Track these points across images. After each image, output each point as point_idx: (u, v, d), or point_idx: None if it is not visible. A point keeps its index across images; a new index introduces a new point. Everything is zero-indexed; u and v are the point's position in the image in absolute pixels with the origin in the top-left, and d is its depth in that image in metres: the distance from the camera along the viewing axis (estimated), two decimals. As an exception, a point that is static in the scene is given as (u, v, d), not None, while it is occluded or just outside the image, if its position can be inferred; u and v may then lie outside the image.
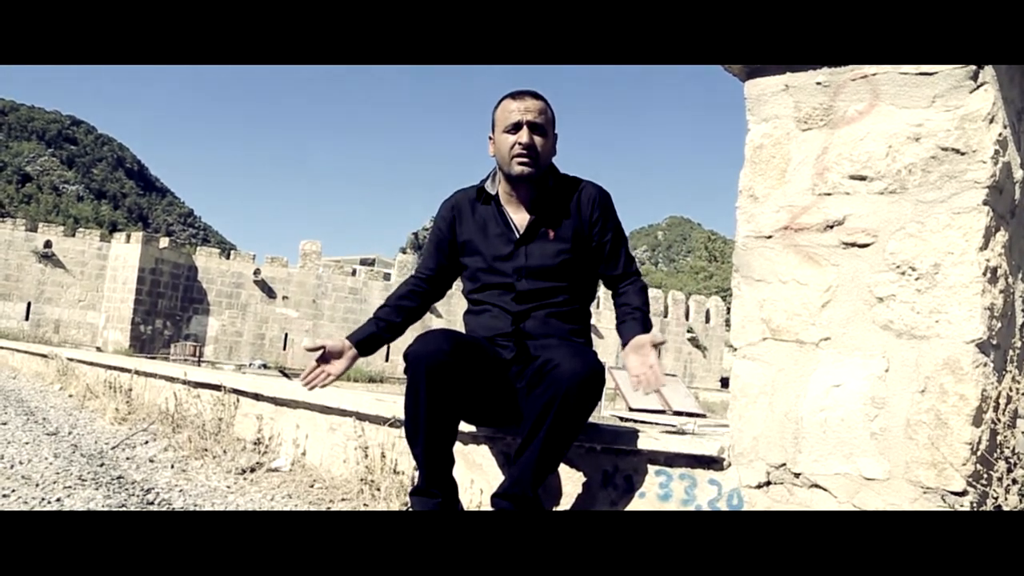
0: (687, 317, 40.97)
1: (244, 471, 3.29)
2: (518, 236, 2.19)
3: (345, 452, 3.07)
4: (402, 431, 2.15)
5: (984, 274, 1.63)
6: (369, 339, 2.26)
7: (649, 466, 2.08)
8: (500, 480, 2.05)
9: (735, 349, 1.97)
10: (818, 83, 1.88)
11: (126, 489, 2.89)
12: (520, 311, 2.16)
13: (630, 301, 2.23)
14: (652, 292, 39.07)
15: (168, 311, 29.86)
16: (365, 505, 2.67)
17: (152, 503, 2.73)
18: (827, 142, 1.86)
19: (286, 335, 31.55)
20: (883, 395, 1.70)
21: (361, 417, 3.01)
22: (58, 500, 2.64)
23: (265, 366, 25.43)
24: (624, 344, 2.09)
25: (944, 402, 1.63)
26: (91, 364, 7.98)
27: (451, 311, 29.58)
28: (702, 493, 1.98)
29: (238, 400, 4.05)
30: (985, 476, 1.61)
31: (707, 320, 41.96)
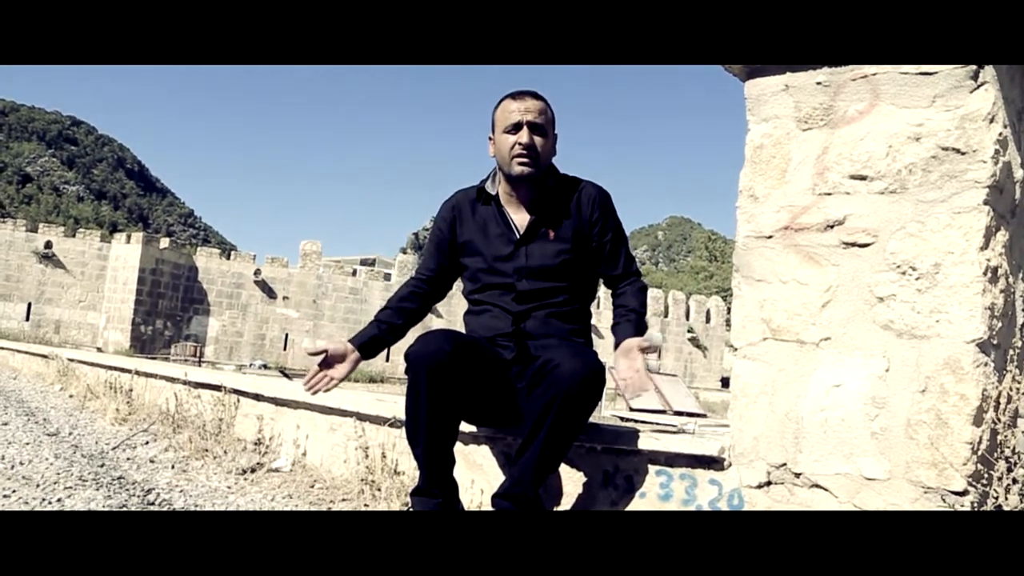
0: (687, 317, 40.97)
1: (245, 471, 3.29)
2: (518, 236, 2.19)
3: (346, 452, 3.07)
4: (403, 431, 2.15)
5: (984, 274, 1.63)
6: (371, 341, 2.25)
7: (650, 466, 2.08)
8: (501, 480, 2.05)
9: (735, 349, 1.97)
10: (818, 83, 1.88)
11: (127, 489, 2.89)
12: (520, 311, 2.16)
13: (626, 303, 2.23)
14: (652, 292, 39.08)
15: (168, 311, 29.87)
16: (366, 505, 2.67)
17: (153, 503, 2.73)
18: (827, 142, 1.86)
19: (286, 335, 31.57)
20: (883, 395, 1.70)
21: (362, 417, 3.01)
22: (59, 500, 2.65)
23: (266, 366, 25.43)
24: (615, 346, 2.09)
25: (945, 402, 1.63)
26: (91, 364, 7.99)
27: (451, 311, 29.58)
28: (703, 493, 1.98)
29: (239, 400, 4.05)
30: (986, 476, 1.61)
31: (707, 320, 41.96)
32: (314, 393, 2.21)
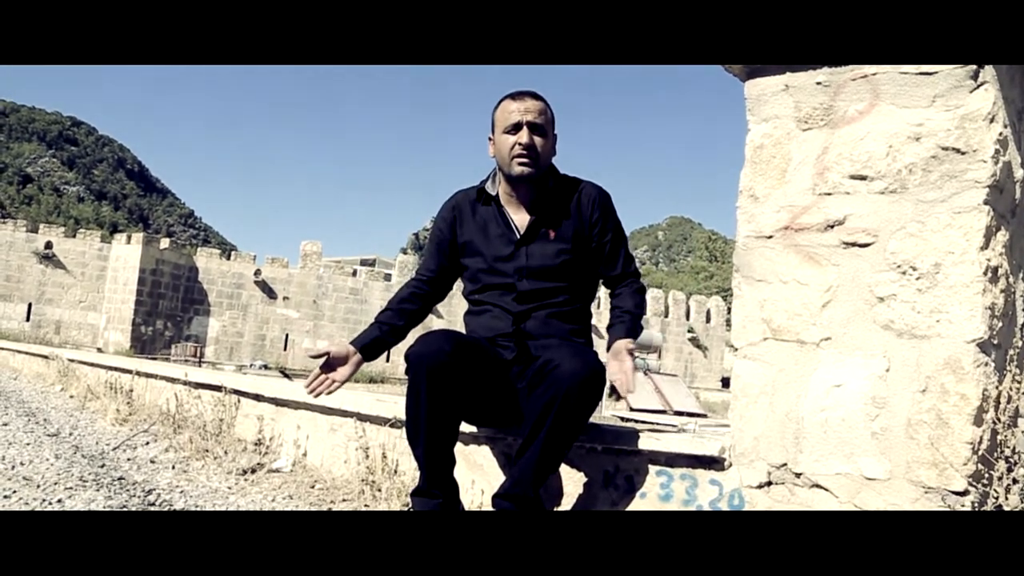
0: (688, 317, 40.96)
1: (245, 472, 3.29)
2: (519, 237, 2.19)
3: (346, 453, 3.07)
4: (403, 432, 2.15)
5: (985, 273, 1.63)
6: (373, 343, 2.25)
7: (650, 466, 2.08)
8: (501, 481, 2.05)
9: (736, 349, 1.97)
10: (818, 83, 1.88)
11: (127, 490, 2.89)
12: (521, 311, 2.16)
13: (622, 304, 2.24)
14: (653, 292, 39.07)
15: (169, 312, 29.86)
16: (366, 506, 2.67)
17: (153, 504, 2.73)
18: (827, 142, 1.86)
19: (287, 336, 31.56)
20: (884, 395, 1.70)
21: (362, 418, 3.01)
22: (59, 501, 2.65)
23: (266, 367, 25.43)
24: (607, 347, 2.10)
25: (945, 402, 1.63)
26: (92, 365, 7.99)
27: (452, 312, 29.58)
28: (703, 493, 1.98)
29: (239, 401, 4.05)
30: (986, 476, 1.61)
31: (708, 320, 41.95)
32: (316, 396, 2.21)
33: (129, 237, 30.49)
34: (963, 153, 1.66)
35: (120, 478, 3.13)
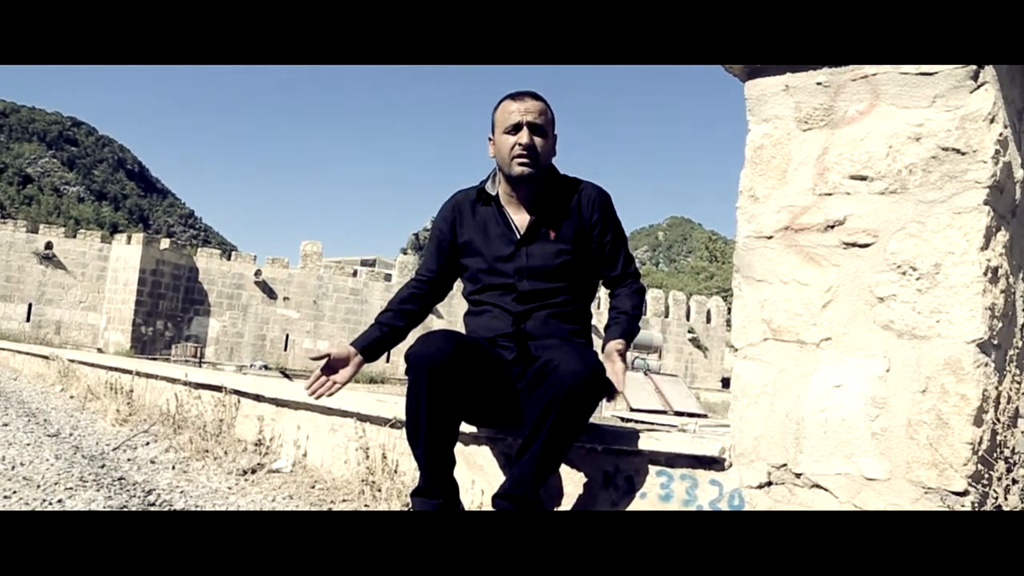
0: (688, 317, 40.95)
1: (245, 472, 3.29)
2: (519, 237, 2.19)
3: (346, 453, 3.07)
4: (403, 432, 2.15)
5: (985, 274, 1.63)
6: (373, 344, 2.25)
7: (650, 467, 2.08)
8: (501, 481, 2.05)
9: (736, 349, 1.97)
10: (818, 83, 1.88)
11: (127, 490, 2.89)
12: (521, 311, 2.16)
13: (619, 305, 2.25)
14: (653, 292, 39.07)
15: (169, 312, 29.87)
16: (366, 506, 2.67)
17: (153, 504, 2.73)
18: (827, 142, 1.86)
19: (287, 336, 31.57)
20: (884, 395, 1.70)
21: (362, 418, 3.01)
22: (59, 501, 2.65)
23: (266, 367, 25.43)
24: (602, 348, 2.11)
25: (945, 402, 1.63)
26: (92, 365, 7.99)
27: (452, 312, 29.57)
28: (703, 493, 1.98)
29: (239, 401, 4.05)
30: (986, 476, 1.61)
31: (708, 320, 41.95)
32: (317, 397, 2.21)
33: (129, 237, 30.50)
34: (963, 153, 1.66)
35: (120, 478, 3.13)
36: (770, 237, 1.93)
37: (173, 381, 5.19)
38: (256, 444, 3.64)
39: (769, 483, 1.85)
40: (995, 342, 1.67)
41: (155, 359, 17.66)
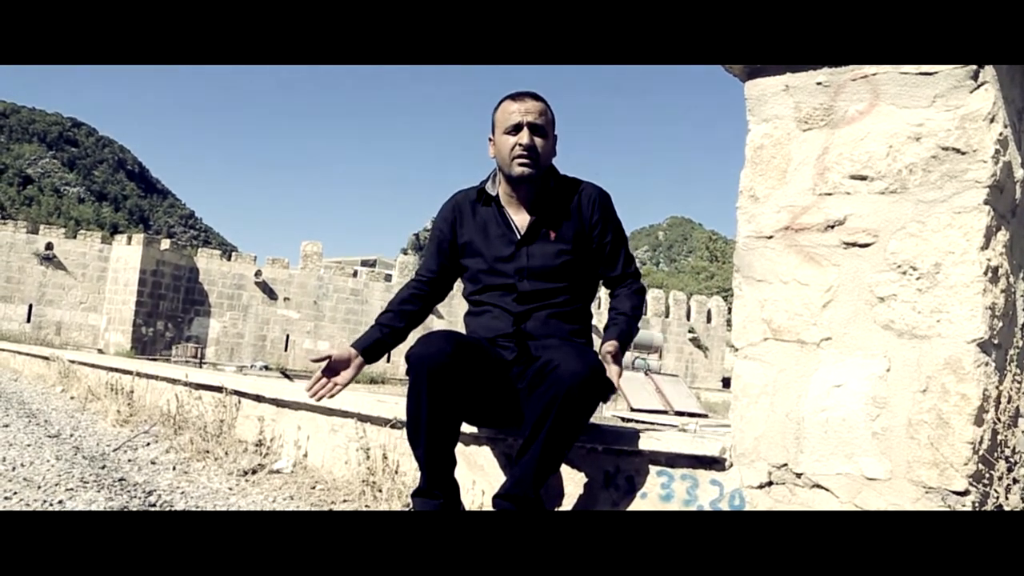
0: (688, 317, 40.95)
1: (246, 473, 3.29)
2: (519, 237, 2.19)
3: (347, 453, 3.07)
4: (404, 432, 2.15)
5: (985, 273, 1.63)
6: (374, 345, 2.25)
7: (651, 467, 2.08)
8: (502, 481, 2.05)
9: (736, 349, 1.97)
10: (818, 83, 1.88)
11: (128, 491, 2.89)
12: (521, 312, 2.16)
13: (618, 306, 2.26)
14: (654, 292, 39.06)
15: (169, 313, 29.86)
16: (367, 506, 2.67)
17: (154, 505, 2.73)
18: (828, 142, 1.86)
19: (287, 336, 31.56)
20: (884, 395, 1.70)
21: (363, 418, 3.01)
22: (60, 502, 2.65)
23: (267, 367, 25.44)
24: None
25: (946, 402, 1.63)
26: (93, 366, 7.99)
27: (452, 312, 29.57)
28: (704, 494, 1.98)
29: (240, 402, 4.05)
30: (986, 476, 1.61)
31: (708, 320, 41.94)
32: (319, 400, 2.21)
33: (130, 238, 30.49)
34: (963, 153, 1.66)
35: (121, 479, 3.13)
36: (770, 237, 1.93)
37: (174, 382, 5.19)
38: (257, 445, 3.64)
39: (770, 483, 1.85)
40: (995, 342, 1.67)
41: (155, 360, 17.67)
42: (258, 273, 31.31)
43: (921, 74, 1.72)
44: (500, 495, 1.97)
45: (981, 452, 1.61)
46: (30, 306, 28.66)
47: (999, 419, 1.63)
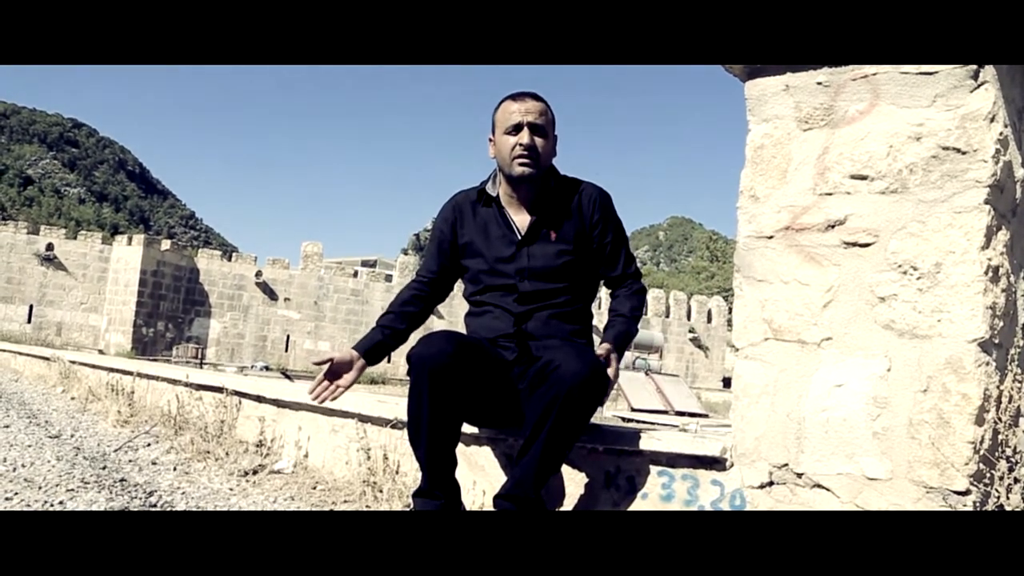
0: (689, 317, 40.93)
1: (246, 473, 3.29)
2: (520, 237, 2.19)
3: (347, 454, 3.07)
4: (404, 433, 2.15)
5: (986, 273, 1.63)
6: (376, 348, 2.25)
7: (651, 467, 2.08)
8: (502, 481, 2.05)
9: (737, 349, 1.97)
10: (819, 83, 1.88)
11: (129, 492, 2.89)
12: (522, 312, 2.16)
13: (617, 307, 2.27)
14: (654, 292, 39.04)
15: (170, 313, 29.86)
16: (367, 507, 2.67)
17: (155, 505, 2.73)
18: (828, 142, 1.86)
19: (288, 337, 31.55)
20: (885, 395, 1.70)
21: (363, 419, 3.01)
22: (61, 503, 2.65)
23: (267, 368, 25.44)
24: None
25: (946, 401, 1.63)
26: (93, 367, 7.99)
27: (453, 312, 29.56)
28: (705, 494, 1.98)
29: (240, 402, 4.05)
30: (987, 476, 1.61)
31: (709, 320, 41.92)
32: (321, 403, 2.21)
33: (130, 239, 30.48)
34: (964, 153, 1.66)
35: (122, 480, 3.13)
36: (771, 237, 1.93)
37: (174, 382, 5.20)
38: (257, 445, 3.64)
39: (770, 483, 1.85)
40: (996, 341, 1.67)
41: (156, 360, 17.67)
42: (258, 274, 31.30)
43: (921, 74, 1.72)
44: (501, 495, 1.97)
45: (982, 452, 1.60)
46: (31, 307, 28.66)
47: (1000, 419, 1.63)
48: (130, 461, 3.65)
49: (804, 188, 1.89)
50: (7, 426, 4.78)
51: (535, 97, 2.19)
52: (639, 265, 2.39)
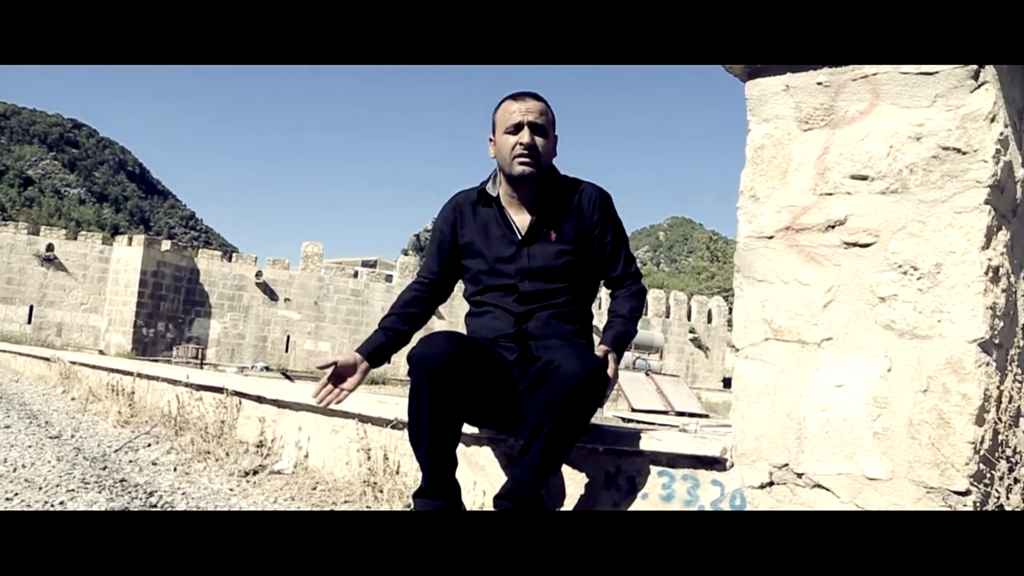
0: (689, 317, 40.92)
1: (247, 473, 3.29)
2: (520, 237, 2.19)
3: (348, 454, 3.07)
4: (404, 433, 2.15)
5: (986, 273, 1.63)
6: (379, 350, 2.25)
7: (652, 467, 2.08)
8: (503, 482, 2.05)
9: (737, 349, 1.97)
10: (819, 83, 1.88)
11: (129, 492, 2.90)
12: (522, 312, 2.16)
13: (617, 308, 2.27)
14: (654, 292, 39.04)
15: (170, 314, 29.85)
16: (368, 507, 2.67)
17: (155, 506, 2.73)
18: (828, 142, 1.86)
19: (288, 337, 31.55)
20: (885, 395, 1.70)
21: (364, 419, 3.01)
22: (61, 503, 2.65)
23: (267, 368, 25.44)
24: None
25: (947, 402, 1.62)
26: (93, 367, 7.99)
27: (453, 312, 29.55)
28: (705, 494, 1.98)
29: (240, 403, 4.05)
30: (988, 476, 1.61)
31: (709, 320, 41.91)
32: (326, 406, 2.22)
33: (130, 239, 30.48)
34: (964, 153, 1.66)
35: (122, 480, 3.13)
36: (771, 237, 1.93)
37: (174, 383, 5.20)
38: (258, 445, 3.64)
39: (771, 483, 1.85)
40: (996, 341, 1.67)
41: (156, 361, 17.67)
42: (259, 274, 31.30)
43: (921, 74, 1.72)
44: (501, 495, 1.97)
45: (982, 452, 1.60)
46: (31, 307, 28.66)
47: (1000, 419, 1.63)
48: (130, 461, 3.65)
49: (804, 188, 1.89)
50: (8, 427, 4.78)
51: (535, 97, 2.19)
52: (639, 265, 2.39)
